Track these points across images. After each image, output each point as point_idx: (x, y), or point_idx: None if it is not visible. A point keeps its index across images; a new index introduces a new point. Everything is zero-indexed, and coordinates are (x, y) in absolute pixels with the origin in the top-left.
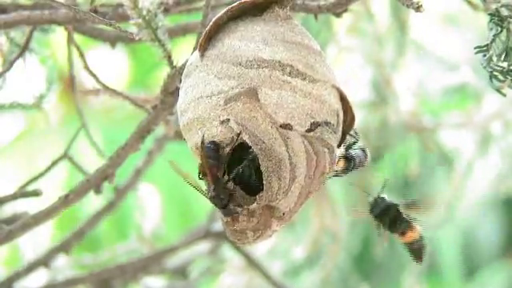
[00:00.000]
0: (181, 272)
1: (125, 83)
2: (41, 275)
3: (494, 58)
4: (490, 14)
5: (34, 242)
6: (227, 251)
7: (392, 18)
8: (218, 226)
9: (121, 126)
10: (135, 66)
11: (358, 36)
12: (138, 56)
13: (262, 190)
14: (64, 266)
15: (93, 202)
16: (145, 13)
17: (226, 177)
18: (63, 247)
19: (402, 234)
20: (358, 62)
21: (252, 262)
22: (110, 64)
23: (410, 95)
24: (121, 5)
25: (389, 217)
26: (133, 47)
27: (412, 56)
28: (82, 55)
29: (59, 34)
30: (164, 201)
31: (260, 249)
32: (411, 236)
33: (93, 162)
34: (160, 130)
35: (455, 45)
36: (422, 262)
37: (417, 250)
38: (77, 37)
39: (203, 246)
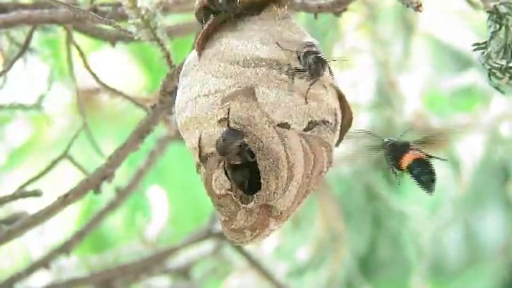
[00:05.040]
0: (183, 273)
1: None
2: (44, 276)
3: (493, 56)
4: (488, 12)
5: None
6: (229, 252)
7: (398, 18)
8: (220, 226)
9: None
10: (149, 76)
11: (365, 37)
12: (152, 65)
13: (260, 188)
14: (68, 267)
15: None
16: (143, 12)
17: None
18: (64, 248)
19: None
20: (365, 63)
21: (253, 263)
22: (116, 68)
23: (416, 96)
24: (120, 4)
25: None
26: (146, 55)
27: (419, 57)
28: (81, 55)
29: (59, 34)
30: (172, 203)
31: (264, 250)
32: (411, 157)
33: (93, 162)
34: (162, 130)
35: (465, 43)
36: (431, 193)
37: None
38: (77, 36)
39: (206, 247)
